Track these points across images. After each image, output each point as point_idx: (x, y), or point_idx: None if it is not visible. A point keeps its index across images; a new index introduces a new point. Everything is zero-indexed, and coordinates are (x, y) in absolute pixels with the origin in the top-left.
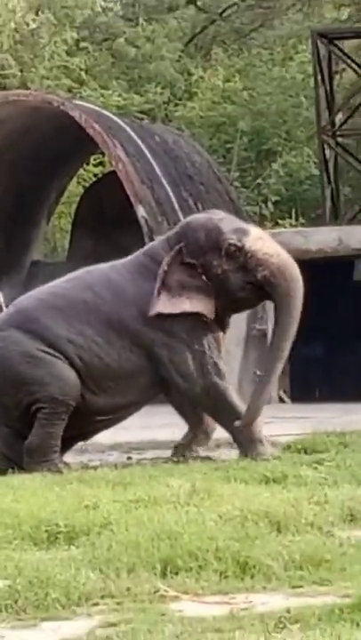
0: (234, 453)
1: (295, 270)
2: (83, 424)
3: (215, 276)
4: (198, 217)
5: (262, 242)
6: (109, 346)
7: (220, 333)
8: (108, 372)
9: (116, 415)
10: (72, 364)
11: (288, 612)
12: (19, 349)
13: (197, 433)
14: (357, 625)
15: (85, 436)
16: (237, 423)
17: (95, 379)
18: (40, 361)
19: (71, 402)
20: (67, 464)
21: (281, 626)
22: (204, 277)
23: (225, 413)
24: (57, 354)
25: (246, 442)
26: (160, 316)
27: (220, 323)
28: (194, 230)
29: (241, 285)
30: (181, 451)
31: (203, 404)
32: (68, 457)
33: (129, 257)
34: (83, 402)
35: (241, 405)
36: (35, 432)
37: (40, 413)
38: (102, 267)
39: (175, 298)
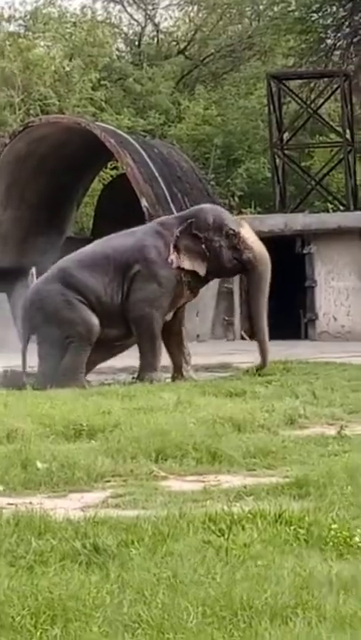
0: (207, 375)
1: (268, 259)
2: (103, 350)
3: (213, 249)
4: (208, 205)
5: (250, 234)
6: (119, 288)
7: (202, 289)
8: (118, 309)
9: (125, 342)
10: (93, 308)
11: (245, 487)
12: (60, 298)
13: (182, 361)
14: (294, 497)
15: (105, 358)
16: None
17: (109, 315)
18: (74, 306)
19: (93, 337)
20: (89, 382)
21: (239, 497)
22: (203, 247)
23: (147, 342)
24: (85, 300)
25: (145, 369)
26: (155, 263)
27: (205, 282)
28: (205, 213)
29: (229, 259)
30: (177, 376)
31: (137, 327)
32: (90, 376)
33: (145, 225)
34: (102, 333)
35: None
36: (66, 358)
37: (71, 345)
38: (123, 232)
39: (179, 256)
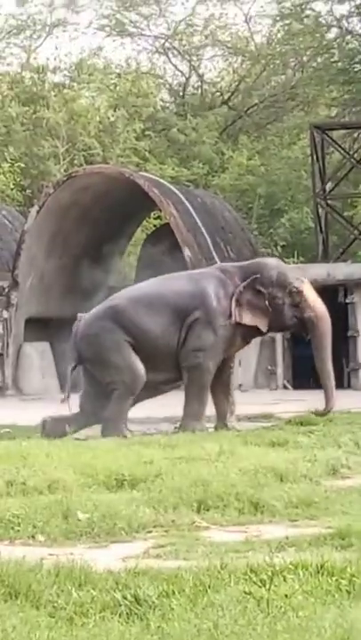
0: (249, 425)
1: (328, 317)
2: (147, 391)
3: (276, 306)
4: (272, 260)
5: (312, 292)
6: (176, 333)
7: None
8: (172, 354)
9: (171, 385)
10: (144, 350)
11: (287, 538)
12: (110, 337)
13: (227, 410)
14: (336, 548)
15: (148, 397)
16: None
17: (161, 359)
18: (123, 350)
19: (137, 388)
20: (131, 431)
21: (281, 548)
22: (266, 303)
23: (196, 391)
24: (135, 342)
25: (189, 417)
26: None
27: (261, 335)
28: (270, 269)
29: (291, 317)
30: (220, 425)
31: (190, 375)
32: (132, 426)
33: (204, 269)
34: (150, 376)
35: (207, 392)
36: (109, 407)
37: (114, 392)
38: (180, 274)
39: (241, 311)
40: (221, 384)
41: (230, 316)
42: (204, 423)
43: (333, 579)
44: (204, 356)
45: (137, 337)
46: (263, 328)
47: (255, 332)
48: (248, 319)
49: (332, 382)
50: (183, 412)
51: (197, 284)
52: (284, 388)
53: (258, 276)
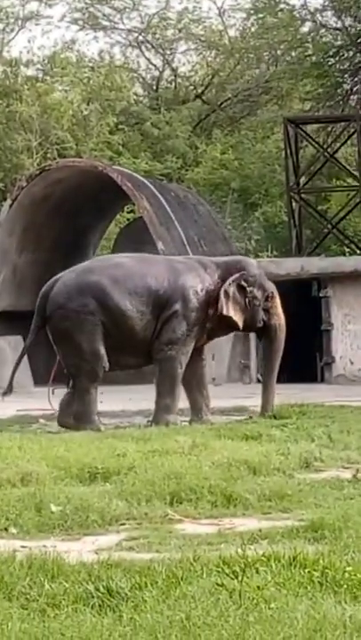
0: (223, 419)
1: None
2: (114, 371)
3: (253, 305)
4: (252, 260)
5: (279, 301)
6: (153, 322)
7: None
8: (146, 343)
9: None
10: (120, 336)
11: (260, 531)
12: (85, 317)
13: (201, 404)
14: (308, 540)
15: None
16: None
17: (134, 346)
18: (93, 332)
19: (98, 374)
20: (104, 424)
21: (254, 540)
22: (247, 300)
23: (168, 384)
24: (114, 327)
25: (161, 411)
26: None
27: (227, 333)
28: (253, 268)
29: (260, 320)
30: (195, 419)
31: (161, 367)
32: (105, 419)
33: (184, 259)
34: (121, 360)
35: (179, 389)
36: (77, 404)
37: (76, 383)
38: (162, 258)
39: (228, 303)
40: (195, 378)
41: (207, 309)
42: (177, 416)
43: (306, 571)
44: (177, 349)
45: (115, 320)
46: (240, 325)
47: (227, 328)
48: (232, 313)
49: (273, 391)
50: (155, 405)
51: (178, 275)
52: (258, 381)
53: (244, 272)
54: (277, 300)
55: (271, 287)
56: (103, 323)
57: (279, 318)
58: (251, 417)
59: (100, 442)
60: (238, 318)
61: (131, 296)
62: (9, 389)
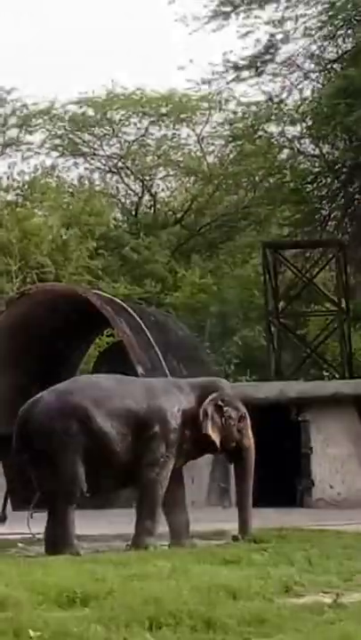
0: (202, 543)
1: None
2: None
3: (228, 426)
4: (224, 381)
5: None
6: (131, 444)
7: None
8: (125, 465)
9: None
10: (100, 459)
11: None
12: (69, 439)
13: (182, 528)
14: None
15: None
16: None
17: (112, 469)
18: (75, 455)
19: (75, 498)
20: (83, 548)
21: None
22: (223, 420)
23: (149, 507)
24: (96, 449)
25: (142, 534)
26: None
27: (201, 455)
28: (227, 388)
29: (233, 440)
30: (174, 543)
31: (142, 490)
32: (84, 544)
33: (159, 381)
34: (99, 485)
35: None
36: (55, 527)
37: (52, 506)
38: (138, 381)
39: (208, 423)
40: (175, 500)
41: (184, 430)
42: (156, 539)
43: None
44: (158, 472)
45: (97, 442)
46: (218, 444)
47: (203, 449)
48: (211, 432)
49: (250, 512)
50: (135, 528)
51: (155, 397)
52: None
53: (219, 393)
54: (248, 422)
55: (243, 408)
56: (85, 445)
57: (250, 440)
58: (235, 538)
59: (79, 566)
60: (216, 437)
61: (112, 418)
62: (3, 517)
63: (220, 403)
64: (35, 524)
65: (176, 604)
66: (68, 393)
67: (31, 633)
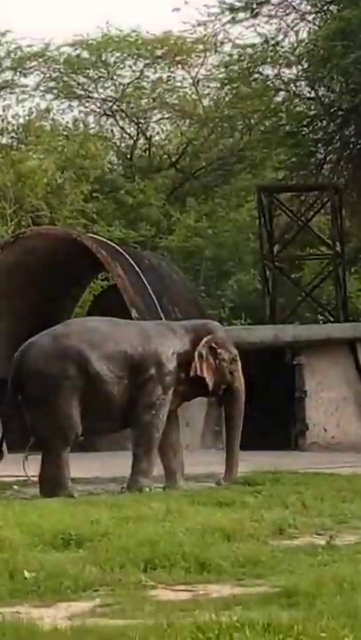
0: (196, 485)
1: None
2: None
3: (221, 368)
4: (217, 323)
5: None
6: (127, 387)
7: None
8: (121, 407)
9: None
10: (97, 402)
11: (234, 597)
12: (64, 382)
13: (176, 470)
14: (283, 607)
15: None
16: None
17: (108, 411)
18: (70, 398)
19: (69, 441)
20: (77, 491)
21: (228, 607)
22: (217, 362)
23: (144, 448)
24: (94, 393)
25: (138, 475)
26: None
27: (196, 397)
28: (221, 330)
29: (226, 382)
30: (169, 485)
31: (138, 431)
32: (79, 486)
33: (154, 324)
34: (94, 426)
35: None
36: (48, 470)
37: (45, 449)
38: (132, 324)
39: (202, 365)
40: (170, 444)
41: (179, 372)
42: (152, 481)
43: (280, 637)
44: (154, 413)
45: (93, 385)
46: (210, 386)
47: (197, 391)
48: (206, 375)
49: (237, 457)
50: (132, 469)
51: (150, 340)
52: None
53: (212, 335)
54: (240, 364)
55: (235, 351)
56: (81, 388)
57: (241, 382)
58: (218, 483)
59: (74, 508)
60: (210, 379)
61: (108, 361)
62: (0, 456)
63: (213, 345)
64: (30, 467)
65: (170, 545)
66: (64, 336)
67: (26, 574)
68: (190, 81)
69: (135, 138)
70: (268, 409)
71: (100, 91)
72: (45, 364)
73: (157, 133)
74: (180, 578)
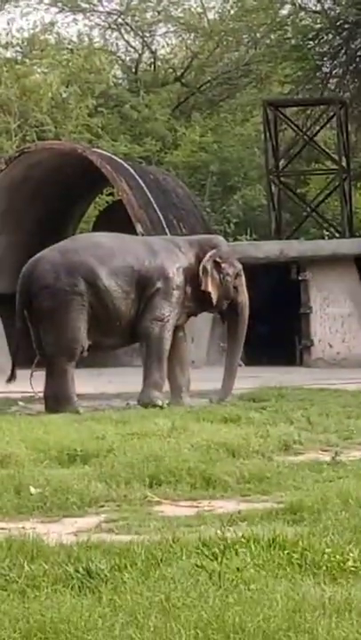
0: (201, 401)
1: None
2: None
3: (226, 282)
4: (220, 237)
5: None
6: (136, 301)
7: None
8: (129, 322)
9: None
10: (105, 316)
11: (239, 513)
12: (72, 297)
13: (182, 386)
14: (288, 522)
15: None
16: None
17: (117, 326)
18: (77, 312)
19: (74, 356)
20: (82, 407)
21: (233, 522)
22: (221, 276)
23: (156, 361)
24: (101, 308)
25: (149, 387)
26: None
27: (201, 312)
28: (224, 245)
29: (228, 296)
30: (174, 401)
31: (149, 344)
32: (84, 402)
33: (159, 239)
34: (100, 341)
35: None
36: (56, 384)
37: (51, 364)
38: (138, 239)
39: (207, 280)
40: (177, 359)
41: (185, 287)
42: (162, 394)
43: (285, 552)
44: (162, 326)
45: (102, 300)
46: (215, 301)
47: (203, 306)
48: (211, 289)
49: (235, 374)
50: (143, 381)
51: (156, 255)
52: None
53: (217, 250)
54: (243, 279)
55: (239, 265)
56: (90, 303)
57: (245, 297)
58: (210, 400)
59: (80, 424)
60: (215, 294)
61: (116, 276)
62: (13, 376)
63: (217, 259)
64: (35, 383)
65: (176, 461)
66: (72, 251)
67: (32, 490)
68: None
69: (140, 52)
70: (273, 325)
71: (105, 4)
72: (55, 278)
73: (162, 47)
74: (186, 493)
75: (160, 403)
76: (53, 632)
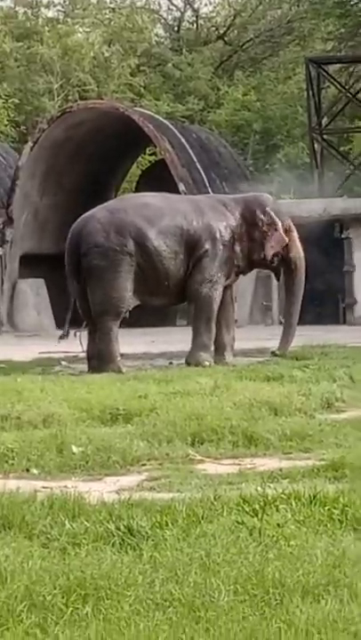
0: (244, 360)
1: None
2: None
3: (276, 236)
4: (269, 197)
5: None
6: (184, 262)
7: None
8: (178, 283)
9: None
10: (154, 277)
11: (280, 470)
12: (121, 257)
13: (226, 344)
14: (329, 479)
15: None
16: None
17: (166, 287)
18: (126, 272)
19: (120, 315)
20: (126, 366)
21: (275, 479)
22: (271, 233)
23: (204, 322)
24: (150, 268)
25: (198, 348)
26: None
27: (251, 269)
28: (271, 202)
29: (280, 251)
30: (218, 359)
31: (198, 305)
32: (127, 362)
33: (207, 199)
34: (149, 301)
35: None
36: (100, 345)
37: (99, 323)
38: (186, 199)
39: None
40: (225, 318)
41: (234, 246)
42: (210, 355)
43: (326, 508)
44: (211, 287)
45: (151, 260)
46: (268, 256)
47: (253, 264)
48: (273, 244)
49: (294, 329)
50: (192, 342)
51: (204, 214)
52: (280, 323)
53: (266, 208)
54: (295, 234)
55: (289, 220)
56: (139, 263)
57: (299, 251)
58: (273, 353)
59: (122, 384)
60: (268, 250)
61: (166, 236)
62: (65, 334)
63: (267, 218)
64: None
65: (218, 419)
66: (122, 211)
67: (74, 449)
68: None
69: (182, 10)
70: (316, 284)
71: None
72: (105, 237)
73: (205, 5)
74: (228, 451)
75: (208, 364)
76: (93, 588)
